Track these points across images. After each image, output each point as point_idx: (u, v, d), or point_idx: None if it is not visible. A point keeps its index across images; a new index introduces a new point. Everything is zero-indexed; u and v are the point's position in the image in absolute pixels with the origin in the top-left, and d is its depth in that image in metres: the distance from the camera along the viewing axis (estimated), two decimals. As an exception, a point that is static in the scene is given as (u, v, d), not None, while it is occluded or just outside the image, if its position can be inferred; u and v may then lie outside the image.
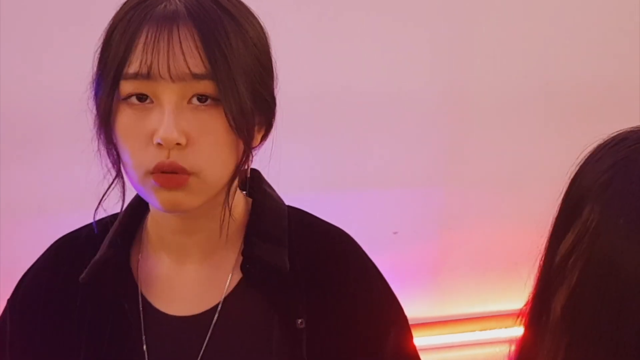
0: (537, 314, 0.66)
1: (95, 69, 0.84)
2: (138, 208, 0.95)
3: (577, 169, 0.66)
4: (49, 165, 1.93)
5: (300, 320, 0.90)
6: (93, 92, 0.84)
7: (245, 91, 0.81)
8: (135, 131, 0.80)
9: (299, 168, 1.89)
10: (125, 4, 0.84)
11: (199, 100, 0.80)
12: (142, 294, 0.92)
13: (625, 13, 2.60)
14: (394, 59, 2.29)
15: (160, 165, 0.79)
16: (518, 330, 0.70)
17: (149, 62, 0.78)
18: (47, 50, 1.69)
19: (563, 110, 2.40)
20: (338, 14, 2.08)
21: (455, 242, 2.19)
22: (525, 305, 0.68)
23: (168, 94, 0.79)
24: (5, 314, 0.97)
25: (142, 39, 0.79)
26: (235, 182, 0.89)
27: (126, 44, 0.79)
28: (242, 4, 0.88)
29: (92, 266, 0.91)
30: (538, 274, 0.67)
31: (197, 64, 0.78)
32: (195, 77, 0.78)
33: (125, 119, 0.81)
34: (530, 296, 0.68)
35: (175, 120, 0.78)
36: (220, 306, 0.91)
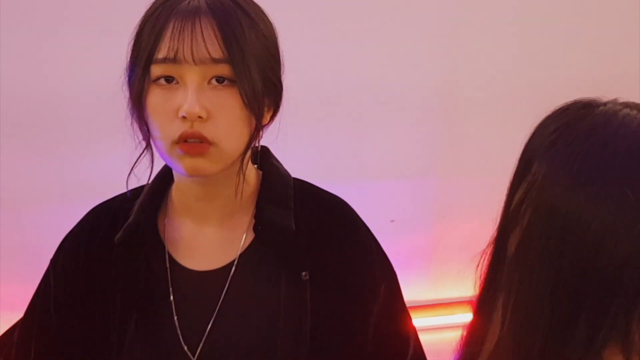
0: (496, 253, 0.80)
1: (129, 58, 0.99)
2: (163, 179, 1.10)
3: (530, 134, 0.80)
4: (71, 156, 2.06)
5: (304, 273, 1.04)
6: (127, 77, 0.99)
7: (257, 75, 0.95)
8: (163, 108, 0.95)
9: (302, 161, 2.02)
10: (154, 2, 0.99)
11: (218, 81, 0.94)
12: (168, 253, 1.07)
13: (619, 10, 2.73)
14: (390, 58, 2.43)
15: (184, 135, 0.93)
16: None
17: (175, 49, 0.92)
18: (73, 48, 1.82)
19: (554, 104, 2.50)
20: (339, 18, 2.22)
21: (448, 229, 2.29)
22: (487, 246, 0.82)
23: (191, 75, 0.93)
24: (49, 274, 1.11)
25: (169, 30, 0.93)
26: (248, 156, 1.04)
27: (156, 35, 0.94)
28: (255, 4, 1.02)
29: (125, 229, 1.06)
30: (499, 222, 0.81)
31: (216, 50, 0.93)
32: (214, 61, 0.93)
33: (155, 98, 0.95)
34: (492, 239, 0.81)
35: (197, 97, 0.92)
36: (236, 262, 1.06)
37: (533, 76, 2.26)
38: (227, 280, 1.05)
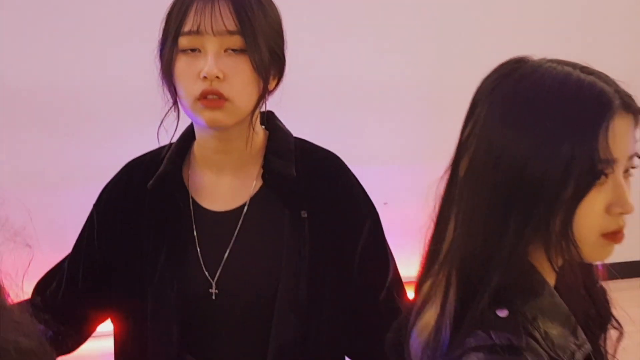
0: (451, 176, 1.02)
1: (160, 34, 1.23)
2: (187, 138, 1.33)
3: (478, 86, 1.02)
4: (93, 142, 2.29)
5: (303, 212, 1.27)
6: (159, 50, 1.23)
7: (264, 46, 1.19)
8: (188, 71, 1.19)
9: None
10: None
11: (232, 50, 1.18)
12: (191, 197, 1.30)
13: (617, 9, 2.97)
14: (387, 55, 2.67)
15: (205, 92, 1.17)
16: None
17: (198, 23, 1.17)
18: (103, 47, 2.07)
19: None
20: (337, 19, 2.46)
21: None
22: (444, 173, 1.04)
23: (211, 45, 1.17)
24: (92, 216, 1.34)
25: (193, 9, 1.18)
26: (257, 115, 1.27)
27: (183, 13, 1.18)
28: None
29: (156, 177, 1.29)
30: (454, 153, 1.03)
31: (230, 24, 1.17)
32: (230, 33, 1.17)
33: (182, 64, 1.19)
34: (447, 167, 1.03)
35: (216, 62, 1.16)
36: (247, 204, 1.29)
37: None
38: (240, 218, 1.28)
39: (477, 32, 2.91)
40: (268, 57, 1.20)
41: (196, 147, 1.32)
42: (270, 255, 1.27)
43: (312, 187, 1.30)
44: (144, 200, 1.29)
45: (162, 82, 1.23)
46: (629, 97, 0.94)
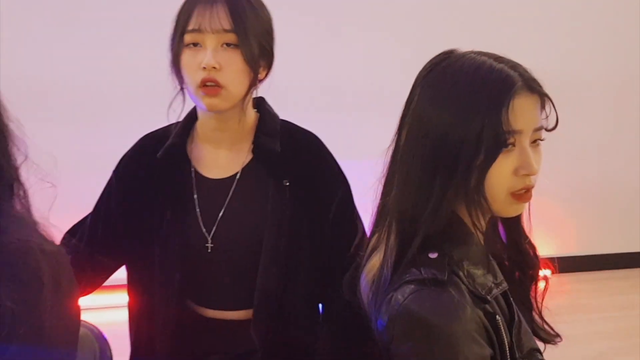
0: (395, 146, 1.21)
1: (171, 33, 1.49)
2: (191, 116, 1.59)
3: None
4: (110, 132, 2.54)
5: (285, 181, 1.52)
6: (169, 45, 1.49)
7: (254, 43, 1.45)
8: (191, 63, 1.45)
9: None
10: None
11: (227, 45, 1.44)
12: (193, 166, 1.55)
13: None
14: (381, 61, 2.92)
15: (204, 79, 1.43)
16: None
17: (199, 22, 1.43)
18: (121, 45, 2.33)
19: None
20: (335, 23, 2.71)
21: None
22: (390, 143, 1.26)
23: (210, 41, 1.43)
24: (111, 179, 1.60)
25: (196, 11, 1.44)
26: (249, 100, 1.52)
27: (187, 14, 1.45)
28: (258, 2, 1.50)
29: (165, 148, 1.55)
30: (396, 128, 1.25)
31: (226, 24, 1.42)
32: (225, 31, 1.43)
33: (186, 57, 1.46)
34: (392, 139, 1.25)
35: (213, 55, 1.42)
36: (239, 173, 1.54)
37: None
38: (233, 185, 1.54)
39: (470, 36, 3.16)
40: (258, 51, 1.46)
41: (198, 125, 1.58)
42: (257, 216, 1.52)
43: (293, 161, 1.55)
44: (154, 167, 1.56)
45: (172, 71, 1.49)
46: (533, 80, 1.16)
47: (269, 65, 1.53)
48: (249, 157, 1.55)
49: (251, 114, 1.57)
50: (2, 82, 0.96)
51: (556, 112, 1.20)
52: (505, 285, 1.19)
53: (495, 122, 1.12)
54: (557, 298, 4.39)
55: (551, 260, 4.62)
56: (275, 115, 1.60)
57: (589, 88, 4.34)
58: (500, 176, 1.14)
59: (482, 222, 1.19)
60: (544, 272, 1.40)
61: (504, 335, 1.11)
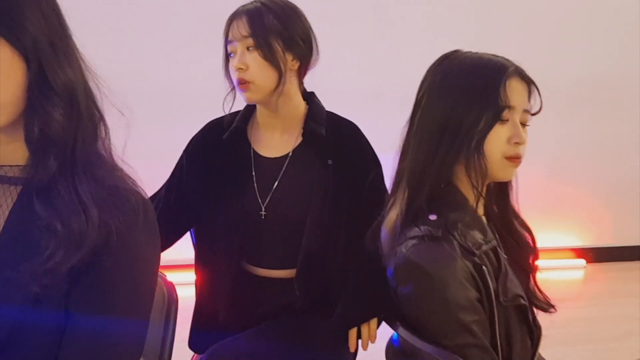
0: (410, 124, 1.45)
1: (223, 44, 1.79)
2: (250, 106, 1.88)
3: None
4: (174, 129, 2.84)
5: (329, 160, 1.80)
6: (223, 55, 1.79)
7: (274, 42, 1.71)
8: (232, 68, 1.75)
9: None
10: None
11: (250, 48, 1.73)
12: (252, 147, 1.84)
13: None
14: (396, 62, 3.14)
15: (238, 79, 1.73)
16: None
17: (232, 34, 1.74)
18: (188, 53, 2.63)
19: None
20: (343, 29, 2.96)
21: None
22: (405, 124, 1.50)
23: (238, 47, 1.73)
24: (182, 157, 1.90)
25: (231, 25, 1.75)
26: (300, 95, 1.81)
27: (226, 29, 1.76)
28: (280, 5, 1.76)
29: (230, 131, 1.84)
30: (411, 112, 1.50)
31: (245, 31, 1.72)
32: (244, 37, 1.72)
33: (230, 63, 1.76)
34: (408, 121, 1.49)
35: (240, 59, 1.72)
36: (290, 153, 1.82)
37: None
38: (285, 163, 1.82)
39: (474, 32, 3.44)
40: (281, 47, 1.73)
41: (257, 113, 1.87)
42: (304, 189, 1.80)
43: (336, 144, 1.82)
44: (219, 147, 1.85)
45: (225, 75, 1.80)
46: (523, 70, 1.43)
47: (299, 56, 1.78)
48: (299, 140, 1.83)
49: (301, 105, 1.85)
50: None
51: (541, 98, 1.45)
52: (494, 242, 1.43)
53: (494, 97, 1.38)
54: (591, 285, 4.62)
55: (588, 250, 4.88)
56: (322, 107, 1.88)
57: (629, 89, 4.50)
58: (496, 142, 1.40)
59: (481, 185, 1.42)
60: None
61: (490, 282, 1.35)
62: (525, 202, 1.63)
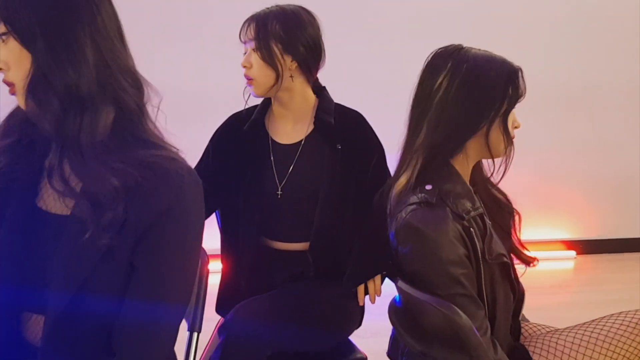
0: (419, 97, 1.65)
1: None
2: (267, 100, 2.13)
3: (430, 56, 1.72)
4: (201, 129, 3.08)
5: (338, 145, 2.05)
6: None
7: (274, 44, 1.97)
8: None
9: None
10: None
11: (254, 50, 1.99)
12: (269, 136, 2.10)
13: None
14: (401, 68, 3.37)
15: (245, 75, 2.00)
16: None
17: (242, 37, 2.01)
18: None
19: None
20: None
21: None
22: (411, 96, 1.71)
23: (248, 48, 2.00)
24: (208, 146, 2.15)
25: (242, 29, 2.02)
26: (310, 89, 2.06)
27: (241, 31, 2.02)
28: (286, 14, 2.01)
29: (249, 123, 2.09)
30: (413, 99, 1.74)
31: (250, 34, 1.98)
32: (250, 40, 1.98)
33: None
34: (415, 85, 1.70)
35: (245, 58, 2.00)
36: (303, 140, 2.07)
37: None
38: (299, 148, 2.07)
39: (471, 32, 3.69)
40: (272, 52, 1.97)
41: (272, 105, 2.12)
42: (316, 171, 2.04)
43: (344, 131, 2.07)
44: (240, 137, 2.10)
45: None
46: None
47: (298, 59, 2.00)
48: (311, 128, 2.08)
49: (311, 98, 2.10)
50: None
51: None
52: (480, 210, 1.66)
53: (514, 87, 1.63)
54: (581, 274, 4.88)
55: (578, 242, 5.17)
56: (331, 100, 2.13)
57: (618, 93, 4.77)
58: (510, 122, 1.66)
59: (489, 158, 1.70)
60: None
61: (477, 242, 1.59)
62: (520, 198, 1.85)
